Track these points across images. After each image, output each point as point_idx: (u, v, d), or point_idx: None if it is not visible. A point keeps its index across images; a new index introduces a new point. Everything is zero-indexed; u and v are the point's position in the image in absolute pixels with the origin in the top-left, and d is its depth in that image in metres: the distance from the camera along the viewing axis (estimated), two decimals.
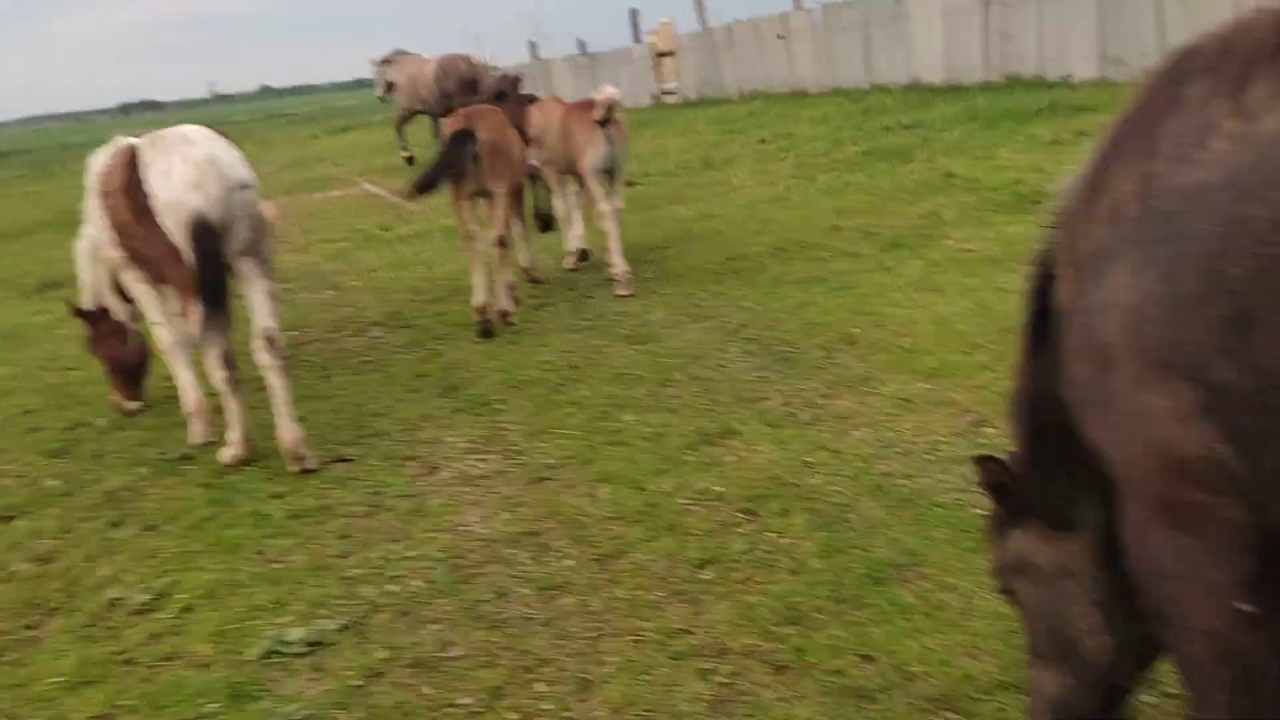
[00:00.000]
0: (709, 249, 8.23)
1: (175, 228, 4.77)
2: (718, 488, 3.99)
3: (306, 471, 4.80)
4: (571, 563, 3.62)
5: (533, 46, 33.04)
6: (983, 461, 2.16)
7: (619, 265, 7.30)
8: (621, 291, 7.21)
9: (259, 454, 5.07)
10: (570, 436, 4.81)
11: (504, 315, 6.85)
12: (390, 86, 19.41)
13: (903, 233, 7.82)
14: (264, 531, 4.23)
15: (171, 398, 6.10)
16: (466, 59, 18.33)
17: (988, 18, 15.62)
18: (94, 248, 5.97)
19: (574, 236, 8.30)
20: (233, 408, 4.99)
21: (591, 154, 7.32)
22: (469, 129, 6.61)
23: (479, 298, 6.64)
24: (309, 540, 4.11)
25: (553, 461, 4.56)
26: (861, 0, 18.80)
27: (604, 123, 7.24)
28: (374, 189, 16.15)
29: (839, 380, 5.03)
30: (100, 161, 5.57)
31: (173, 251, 4.85)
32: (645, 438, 4.65)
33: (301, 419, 5.35)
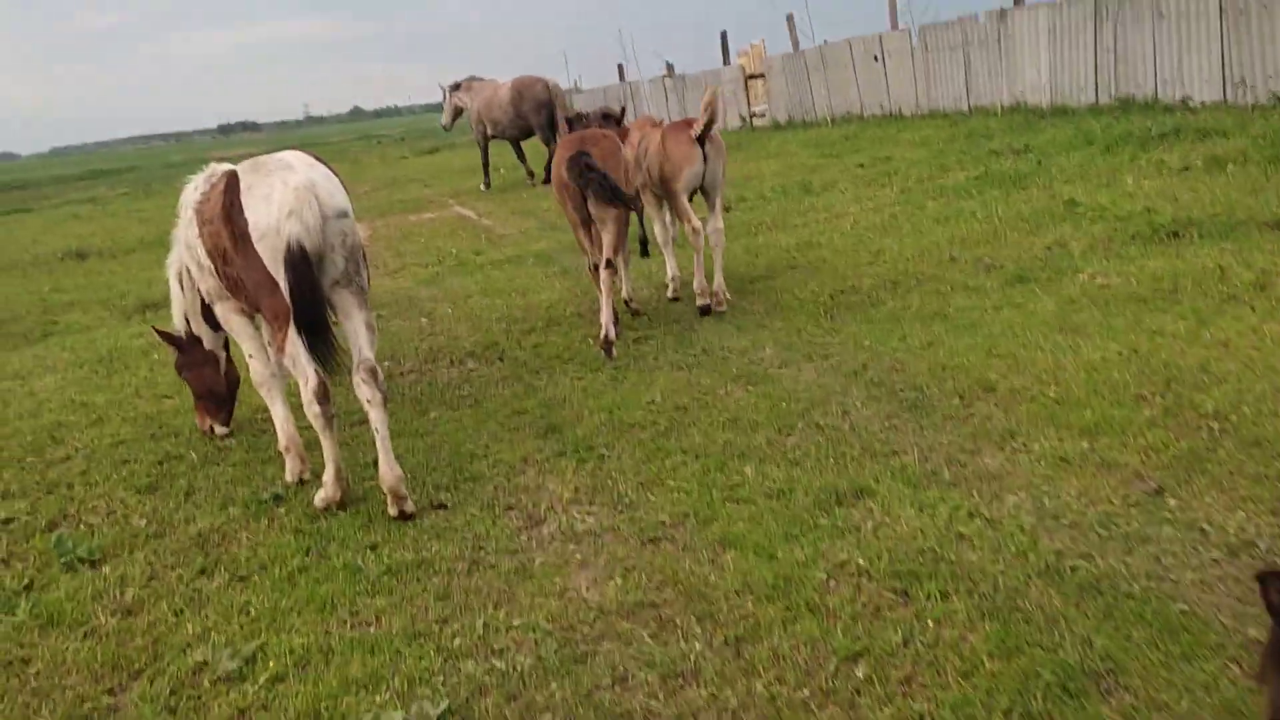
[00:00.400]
0: (817, 280, 7.79)
1: (271, 256, 4.57)
2: (860, 560, 3.54)
3: (405, 516, 4.51)
4: (698, 645, 3.22)
5: (620, 68, 33.01)
6: (1267, 578, 1.72)
7: (718, 288, 7.13)
8: (717, 309, 7.13)
9: (352, 496, 4.80)
10: (684, 489, 4.41)
11: (608, 341, 6.63)
12: (457, 114, 19.49)
13: (1027, 265, 7.28)
14: (358, 588, 3.92)
15: (264, 430, 5.90)
16: (543, 81, 18.34)
17: (1099, 36, 14.90)
18: (184, 273, 5.84)
19: (673, 265, 7.96)
20: (327, 446, 4.73)
21: (689, 171, 7.08)
22: (585, 151, 6.55)
23: (606, 319, 6.65)
24: (406, 600, 3.79)
25: (666, 519, 4.17)
26: (962, 19, 18.20)
27: (701, 140, 7.05)
28: (465, 211, 16.05)
29: (981, 433, 4.55)
30: (196, 186, 5.43)
31: (268, 280, 4.64)
32: (769, 494, 4.23)
33: (398, 457, 5.10)
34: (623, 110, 7.87)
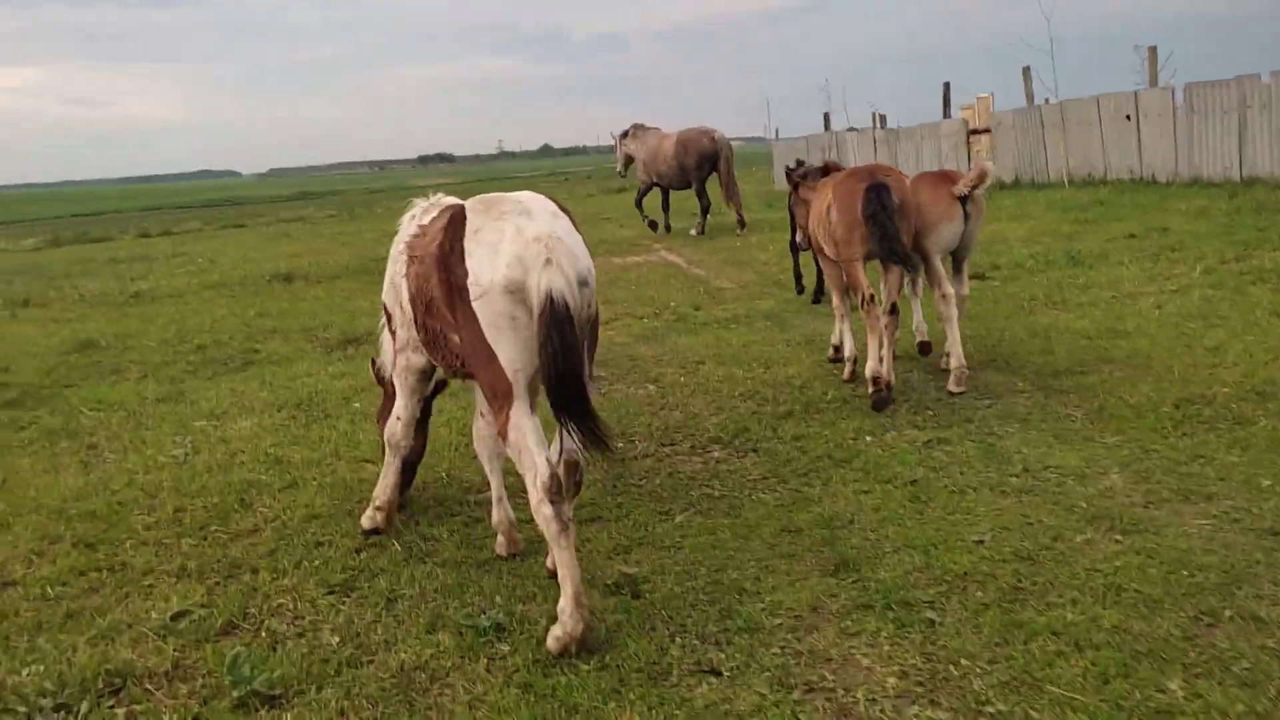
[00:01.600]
0: (1148, 382, 6.22)
1: (490, 319, 3.66)
2: None
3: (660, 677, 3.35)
4: None
5: (826, 118, 31.72)
6: None
7: (957, 359, 6.50)
8: (955, 388, 6.42)
9: (597, 630, 3.68)
10: (1079, 706, 3.04)
11: (887, 386, 6.20)
12: (628, 161, 19.59)
13: None
14: None
15: (479, 519, 4.88)
16: (709, 133, 18.16)
17: None
18: (384, 318, 5.00)
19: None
20: (562, 561, 3.65)
21: (946, 230, 6.45)
22: (884, 184, 6.07)
23: (873, 366, 6.25)
24: None
25: None
26: (1240, 79, 16.04)
27: (964, 199, 6.37)
28: (672, 257, 15.06)
29: None
30: (414, 216, 4.56)
31: (485, 349, 3.71)
32: None
33: (640, 578, 4.00)
34: (836, 166, 7.43)
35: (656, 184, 18.76)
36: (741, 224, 18.05)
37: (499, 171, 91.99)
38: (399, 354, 4.71)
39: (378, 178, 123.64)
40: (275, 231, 28.35)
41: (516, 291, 3.65)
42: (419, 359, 4.62)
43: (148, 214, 48.62)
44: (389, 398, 5.24)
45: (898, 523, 4.52)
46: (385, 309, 4.90)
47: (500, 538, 4.61)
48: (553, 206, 3.97)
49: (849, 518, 4.64)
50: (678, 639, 3.69)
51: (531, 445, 3.70)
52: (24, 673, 3.74)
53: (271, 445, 6.28)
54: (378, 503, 4.88)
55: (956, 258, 6.72)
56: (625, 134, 19.56)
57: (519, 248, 3.66)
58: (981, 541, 4.23)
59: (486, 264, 3.70)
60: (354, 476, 5.66)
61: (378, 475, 5.59)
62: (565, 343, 3.51)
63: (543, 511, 3.65)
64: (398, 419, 4.82)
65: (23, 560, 4.77)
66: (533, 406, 3.82)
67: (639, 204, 19.15)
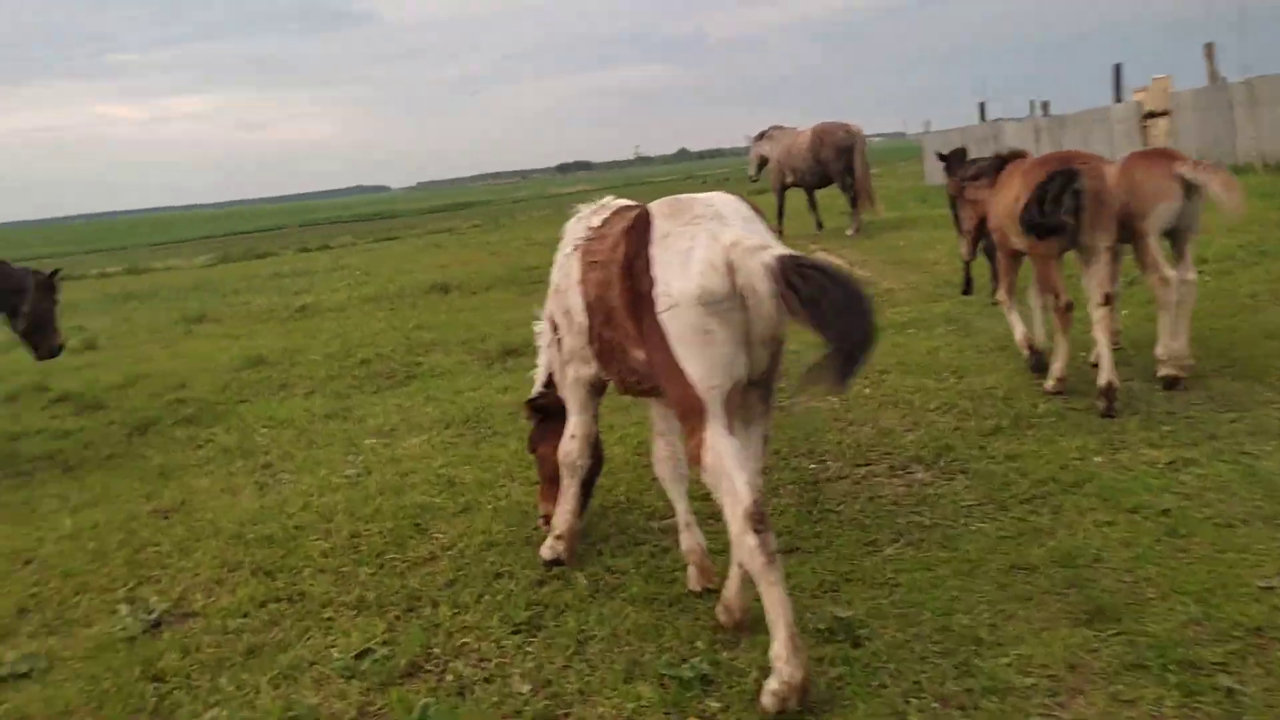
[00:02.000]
0: None
1: (680, 333, 3.30)
2: None
3: None
4: None
5: (981, 107, 30.32)
6: None
7: (1179, 351, 5.99)
8: (1176, 377, 5.98)
9: (816, 681, 3.22)
10: None
11: (1110, 390, 5.69)
12: (762, 163, 19.49)
13: None
14: None
15: (666, 548, 4.48)
16: (844, 127, 17.96)
17: None
18: (547, 329, 4.70)
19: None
20: (771, 600, 3.22)
21: (1164, 208, 5.92)
22: (1073, 170, 5.75)
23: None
24: None
25: None
26: None
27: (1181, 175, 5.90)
28: (833, 259, 14.43)
29: None
30: (584, 219, 4.23)
31: (674, 366, 3.33)
32: None
33: (855, 623, 3.54)
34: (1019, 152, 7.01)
35: (794, 184, 18.48)
36: (820, 226, 18.20)
37: (635, 177, 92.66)
38: (566, 365, 4.41)
39: (519, 187, 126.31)
40: (425, 243, 28.96)
41: (711, 303, 3.27)
42: (588, 370, 4.29)
43: (306, 229, 50.83)
44: (541, 423, 4.94)
45: (1156, 562, 3.88)
46: (551, 320, 4.58)
47: (692, 569, 4.21)
48: (746, 209, 3.58)
49: (1093, 554, 4.03)
50: (913, 700, 3.20)
51: (731, 469, 3.30)
52: (206, 715, 3.56)
53: (442, 465, 6.07)
54: (557, 531, 4.56)
55: (1177, 240, 6.12)
56: (761, 135, 19.46)
57: (713, 255, 3.27)
58: (1272, 588, 3.57)
59: (677, 273, 3.33)
60: (529, 500, 5.36)
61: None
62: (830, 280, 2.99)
63: (746, 543, 3.23)
64: (572, 437, 4.49)
65: (204, 589, 4.66)
66: (731, 426, 3.41)
67: (779, 203, 18.67)
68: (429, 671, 3.77)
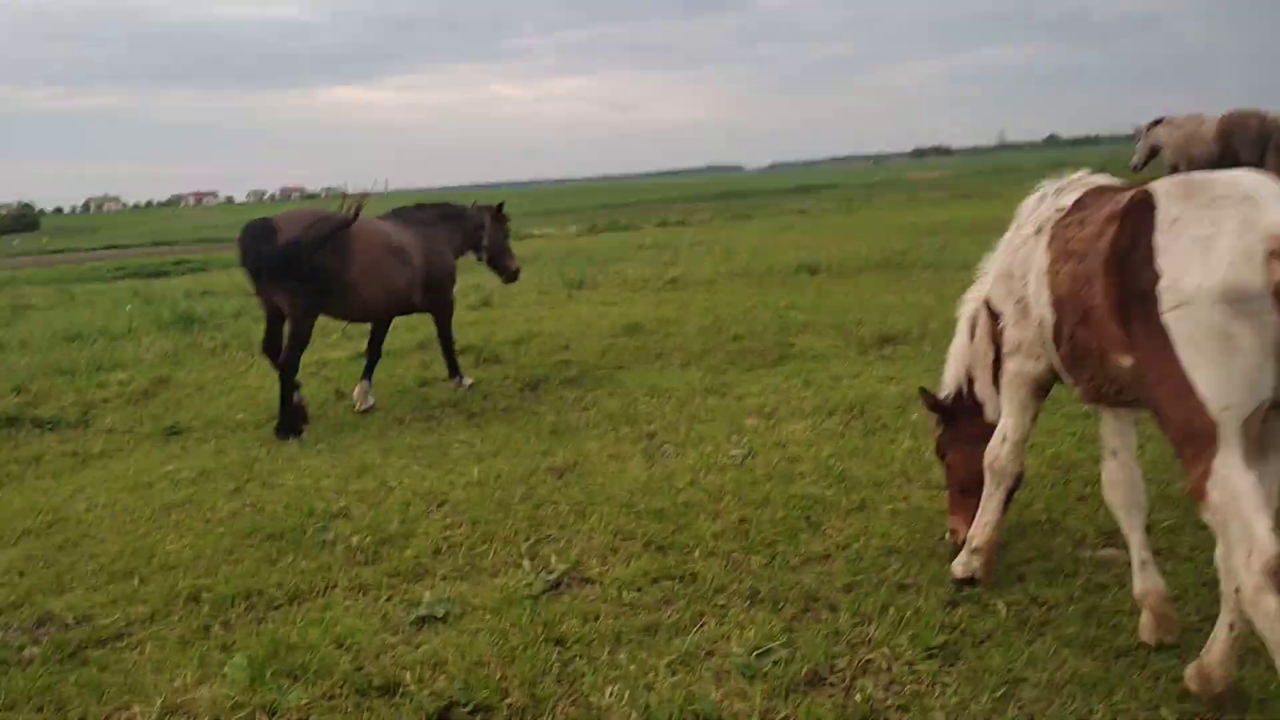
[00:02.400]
0: None
1: (1191, 338, 2.75)
2: None
3: None
4: None
5: None
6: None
7: None
8: None
9: None
10: None
11: None
12: (1152, 154, 18.01)
13: None
14: None
15: (1100, 559, 3.85)
16: (1259, 114, 16.46)
17: None
18: (982, 319, 4.19)
19: None
20: None
21: None
22: None
23: None
24: None
25: None
26: None
27: None
28: None
29: None
30: (1049, 196, 3.69)
31: (1180, 379, 2.78)
32: None
33: None
34: None
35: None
36: None
37: (996, 163, 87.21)
38: (1007, 358, 3.92)
39: (873, 171, 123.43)
40: (779, 223, 28.84)
41: (1238, 302, 2.66)
42: (1035, 367, 3.79)
43: (666, 205, 52.72)
44: (950, 423, 4.47)
45: None
46: (987, 306, 4.10)
47: (1147, 615, 3.59)
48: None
49: None
50: None
51: (1248, 511, 2.71)
52: (606, 691, 3.49)
53: (830, 455, 5.75)
54: (975, 544, 4.09)
55: None
56: (1157, 122, 17.81)
57: (1248, 243, 2.67)
58: None
59: (1193, 264, 2.77)
60: (931, 506, 4.91)
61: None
62: None
63: (1263, 605, 2.66)
64: (1004, 440, 3.99)
65: (599, 555, 4.67)
66: (1249, 458, 2.78)
67: None
68: (833, 685, 3.48)
